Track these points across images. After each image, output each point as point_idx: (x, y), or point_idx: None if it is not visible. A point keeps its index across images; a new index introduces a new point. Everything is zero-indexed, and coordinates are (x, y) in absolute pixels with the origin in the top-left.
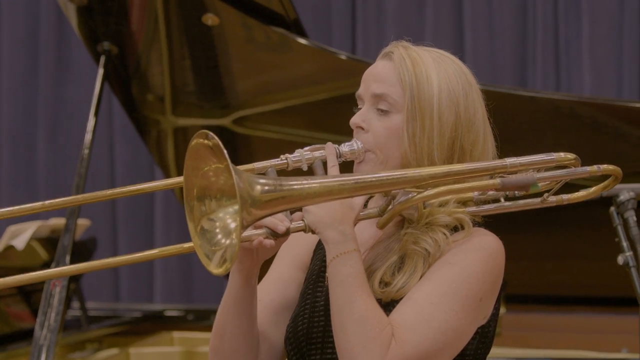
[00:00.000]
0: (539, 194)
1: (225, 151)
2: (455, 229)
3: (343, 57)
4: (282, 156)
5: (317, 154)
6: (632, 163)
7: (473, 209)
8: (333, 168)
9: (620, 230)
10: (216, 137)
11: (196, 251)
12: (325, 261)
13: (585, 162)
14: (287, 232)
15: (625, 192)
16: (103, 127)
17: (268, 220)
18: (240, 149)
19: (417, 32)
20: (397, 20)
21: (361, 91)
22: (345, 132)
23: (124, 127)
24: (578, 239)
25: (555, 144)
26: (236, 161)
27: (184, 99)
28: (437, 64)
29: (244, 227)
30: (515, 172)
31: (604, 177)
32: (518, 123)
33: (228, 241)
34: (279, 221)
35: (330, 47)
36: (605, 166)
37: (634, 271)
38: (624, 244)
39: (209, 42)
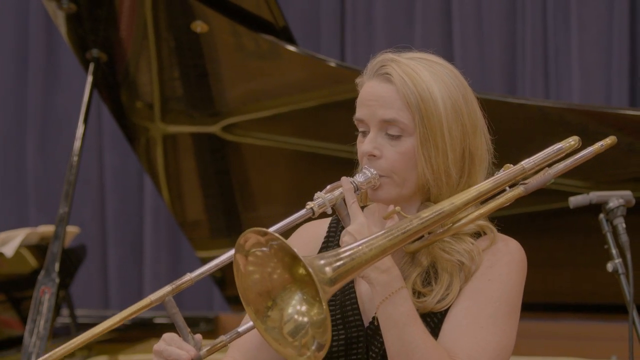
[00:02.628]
0: None
1: (291, 247)
2: (477, 234)
3: (332, 64)
4: (307, 206)
5: (336, 193)
6: (622, 170)
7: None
8: (354, 205)
9: (609, 237)
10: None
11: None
12: None
13: (576, 170)
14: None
15: (615, 199)
16: (92, 135)
17: (173, 354)
18: (230, 157)
19: (406, 39)
20: (386, 28)
21: (364, 116)
22: (335, 140)
23: (113, 135)
24: (567, 246)
25: None
26: (225, 168)
27: (173, 106)
28: (434, 76)
29: (325, 306)
30: (533, 172)
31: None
32: (507, 130)
33: (313, 320)
34: (185, 351)
35: (319, 54)
36: (605, 141)
37: (623, 278)
38: (613, 251)
39: (198, 49)
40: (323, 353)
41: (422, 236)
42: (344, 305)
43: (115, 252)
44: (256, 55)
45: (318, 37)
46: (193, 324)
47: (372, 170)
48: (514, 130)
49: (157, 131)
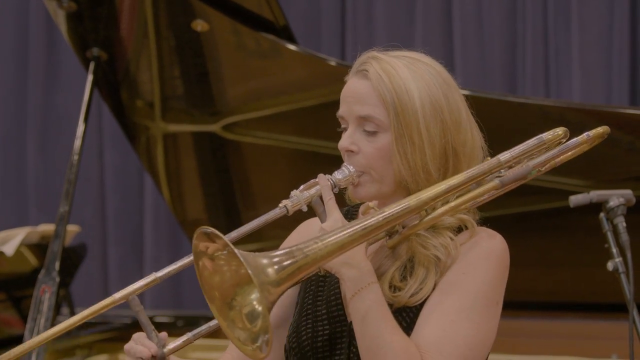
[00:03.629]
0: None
1: (229, 242)
2: (459, 229)
3: (333, 63)
4: (280, 204)
5: (312, 191)
6: (622, 169)
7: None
8: (330, 201)
9: (609, 236)
10: (219, 233)
11: (235, 344)
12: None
13: (576, 169)
14: (160, 357)
15: (615, 198)
16: (92, 133)
17: (136, 351)
18: (230, 156)
19: (407, 38)
20: (386, 27)
21: (343, 112)
22: (335, 138)
23: (113, 133)
24: (568, 245)
25: None
26: (225, 167)
27: (173, 105)
28: (413, 73)
29: (270, 306)
30: (511, 166)
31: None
32: (508, 129)
33: (259, 324)
34: (147, 348)
35: (319, 53)
36: (593, 131)
37: (623, 277)
38: (614, 250)
39: (198, 48)
40: (267, 351)
41: (397, 231)
42: (329, 301)
43: (116, 251)
44: (257, 54)
45: (319, 36)
46: (192, 322)
47: (350, 167)
48: (514, 129)
49: (158, 130)
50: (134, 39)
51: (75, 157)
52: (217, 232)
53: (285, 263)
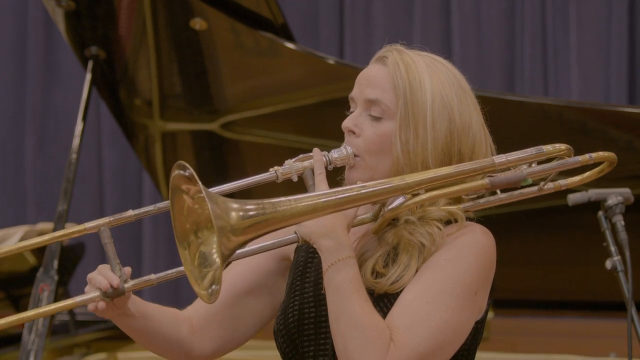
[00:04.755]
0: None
1: (198, 179)
2: (448, 222)
3: (331, 61)
4: (270, 169)
5: (306, 163)
6: (620, 167)
7: (470, 203)
8: (320, 176)
9: (608, 234)
10: (190, 168)
11: (188, 277)
12: (311, 252)
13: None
14: (120, 291)
15: (613, 196)
16: (91, 132)
17: (96, 281)
18: (229, 154)
19: (405, 37)
20: (385, 25)
21: (355, 94)
22: (333, 137)
23: (112, 132)
24: (566, 244)
25: None
26: (224, 166)
27: (171, 103)
28: (431, 70)
29: (225, 254)
30: (506, 170)
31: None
32: (506, 128)
33: (212, 270)
34: (107, 279)
35: (318, 51)
36: (597, 154)
37: (621, 275)
38: (612, 248)
39: (196, 46)
40: (210, 295)
41: (380, 214)
42: (317, 284)
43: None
44: (255, 53)
45: (317, 35)
46: None
47: (348, 148)
48: (513, 128)
49: (156, 129)
50: (133, 37)
51: (74, 156)
52: (193, 173)
53: (252, 213)
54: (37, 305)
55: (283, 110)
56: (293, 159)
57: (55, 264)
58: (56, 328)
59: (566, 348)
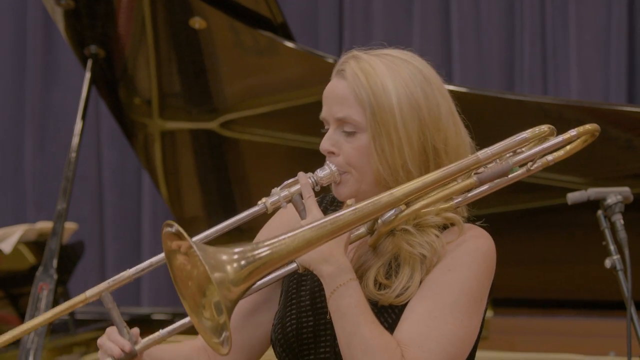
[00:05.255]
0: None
1: (187, 235)
2: (444, 227)
3: (330, 60)
4: (259, 202)
5: (293, 189)
6: (620, 166)
7: (459, 199)
8: (309, 199)
9: (607, 233)
10: (176, 224)
11: (201, 334)
12: None
13: (574, 166)
14: (133, 354)
15: (613, 195)
16: (90, 131)
17: (107, 347)
18: (228, 153)
19: (405, 36)
20: (384, 24)
21: (325, 113)
22: None
23: (111, 131)
24: (565, 243)
25: None
26: (223, 165)
27: (171, 102)
28: (391, 70)
29: (229, 307)
30: (492, 162)
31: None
32: (505, 127)
33: (221, 321)
34: (118, 345)
35: (317, 50)
36: (579, 128)
37: (621, 274)
38: (612, 247)
39: (196, 45)
40: (227, 349)
41: (375, 228)
42: (313, 292)
43: (114, 249)
44: (254, 52)
45: (316, 34)
46: None
47: (332, 165)
48: (512, 127)
49: (155, 127)
50: (132, 36)
51: (73, 155)
52: (181, 230)
53: (244, 262)
54: (36, 304)
55: (282, 109)
56: (279, 187)
57: (55, 263)
58: (55, 327)
59: (565, 347)
